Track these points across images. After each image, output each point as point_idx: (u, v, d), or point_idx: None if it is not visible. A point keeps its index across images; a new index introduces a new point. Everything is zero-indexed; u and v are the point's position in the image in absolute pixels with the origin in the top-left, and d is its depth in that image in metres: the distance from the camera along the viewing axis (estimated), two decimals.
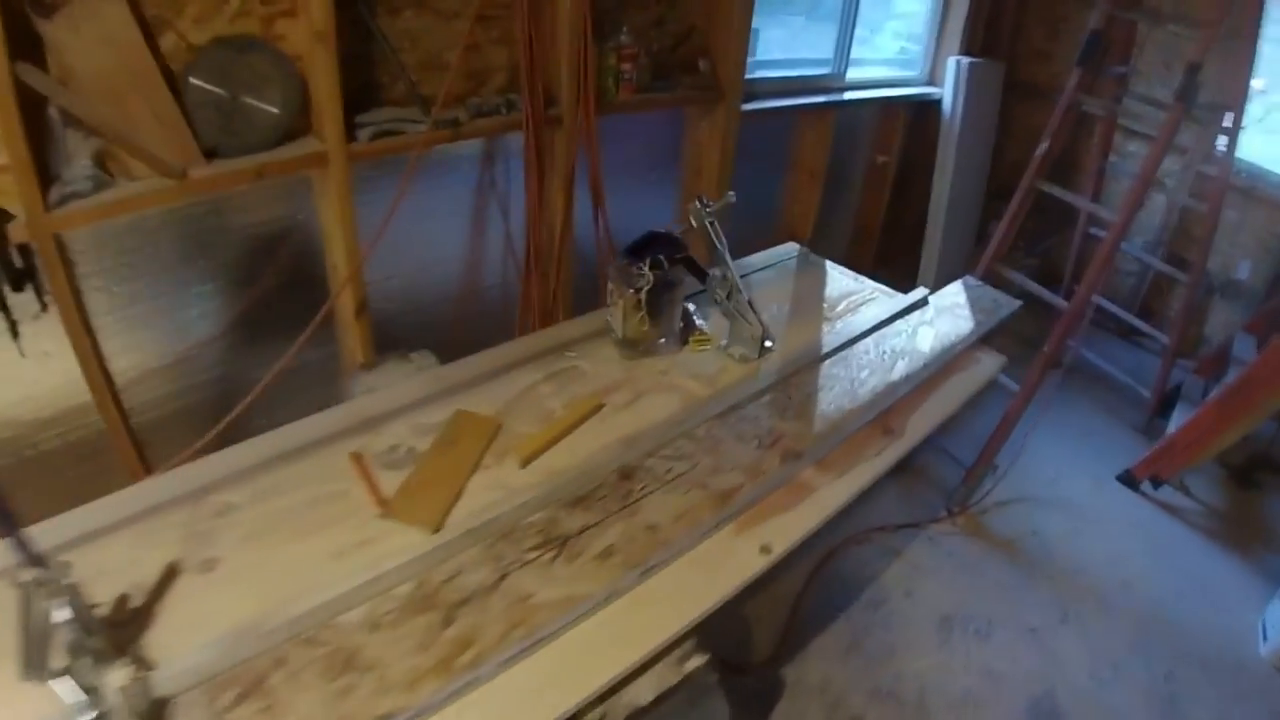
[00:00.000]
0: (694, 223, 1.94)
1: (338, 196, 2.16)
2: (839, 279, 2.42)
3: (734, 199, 1.94)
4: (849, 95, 3.59)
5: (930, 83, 4.01)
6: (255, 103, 1.94)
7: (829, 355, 2.02)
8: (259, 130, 1.98)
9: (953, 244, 4.12)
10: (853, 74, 3.71)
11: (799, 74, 3.54)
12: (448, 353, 2.02)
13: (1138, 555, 2.85)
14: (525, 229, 2.60)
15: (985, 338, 2.18)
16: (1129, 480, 3.14)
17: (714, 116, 2.97)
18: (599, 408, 1.79)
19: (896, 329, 2.16)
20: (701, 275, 1.99)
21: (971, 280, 2.40)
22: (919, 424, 1.83)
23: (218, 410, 2.13)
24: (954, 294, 2.37)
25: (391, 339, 2.45)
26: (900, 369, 1.98)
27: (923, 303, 2.25)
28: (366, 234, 2.24)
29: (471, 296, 2.82)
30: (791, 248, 2.54)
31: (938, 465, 3.08)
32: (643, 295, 1.86)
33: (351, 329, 2.39)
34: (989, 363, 2.08)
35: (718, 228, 1.93)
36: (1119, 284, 3.95)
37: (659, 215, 3.22)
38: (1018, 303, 2.33)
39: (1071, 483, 3.18)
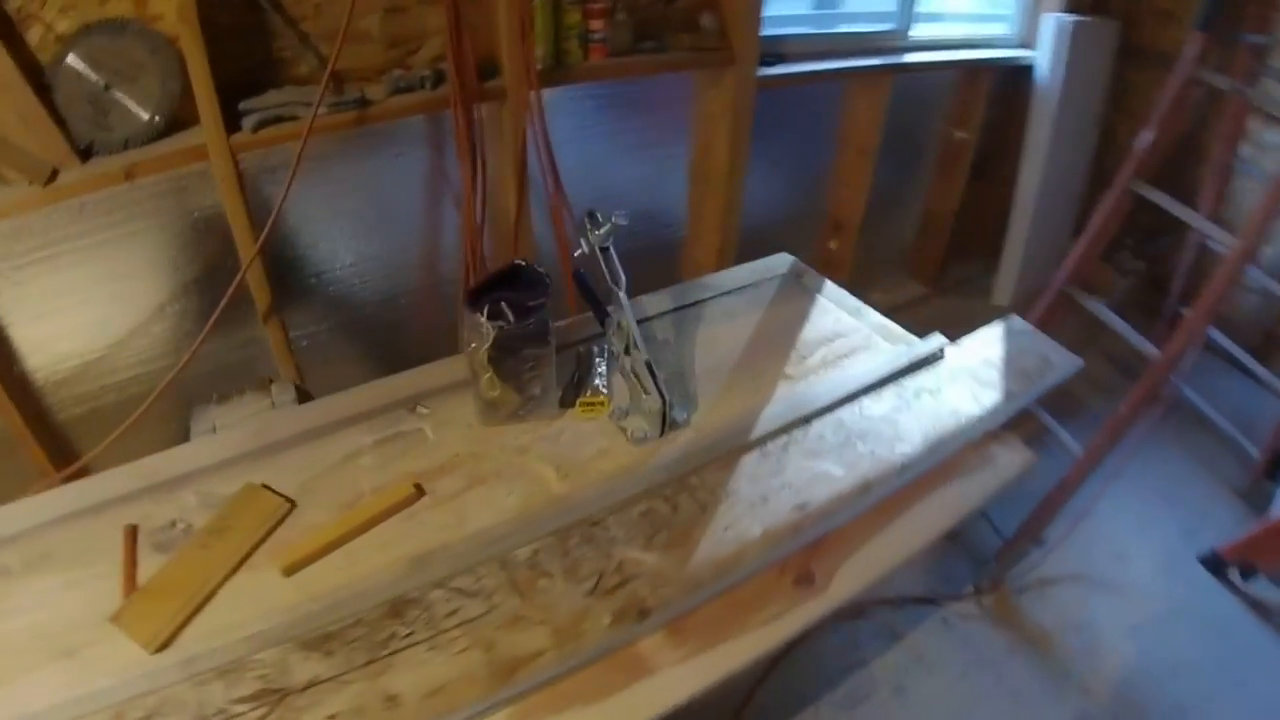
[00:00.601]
0: (584, 248, 1.29)
1: (227, 193, 1.74)
2: (829, 312, 1.72)
3: (624, 220, 1.25)
4: (914, 57, 2.69)
5: (1023, 44, 3.07)
6: (128, 93, 1.66)
7: (766, 439, 1.36)
8: (136, 123, 1.68)
9: (1044, 238, 3.20)
10: (922, 30, 2.86)
11: (847, 30, 2.72)
12: (392, 358, 1.84)
13: (1209, 669, 2.02)
14: (461, 227, 1.98)
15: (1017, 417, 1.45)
16: (1214, 564, 2.27)
17: (723, 84, 2.20)
18: (414, 498, 1.26)
19: (884, 397, 1.46)
20: (602, 314, 1.33)
21: (1019, 324, 1.61)
22: (858, 571, 1.18)
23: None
24: (987, 344, 1.62)
25: (325, 343, 2.10)
26: (863, 469, 1.30)
27: (937, 357, 1.51)
28: (308, 221, 1.93)
29: (428, 295, 2.28)
30: (781, 261, 1.85)
31: (976, 523, 2.25)
32: (482, 352, 1.22)
33: (268, 333, 1.95)
34: (1006, 461, 1.32)
35: (612, 256, 1.22)
36: (1239, 303, 2.91)
37: (672, 206, 2.46)
38: (1075, 363, 1.51)
39: (1140, 560, 2.35)
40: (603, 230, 1.25)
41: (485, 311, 1.23)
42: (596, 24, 1.98)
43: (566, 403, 1.39)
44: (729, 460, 1.29)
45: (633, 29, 2.06)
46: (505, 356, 1.26)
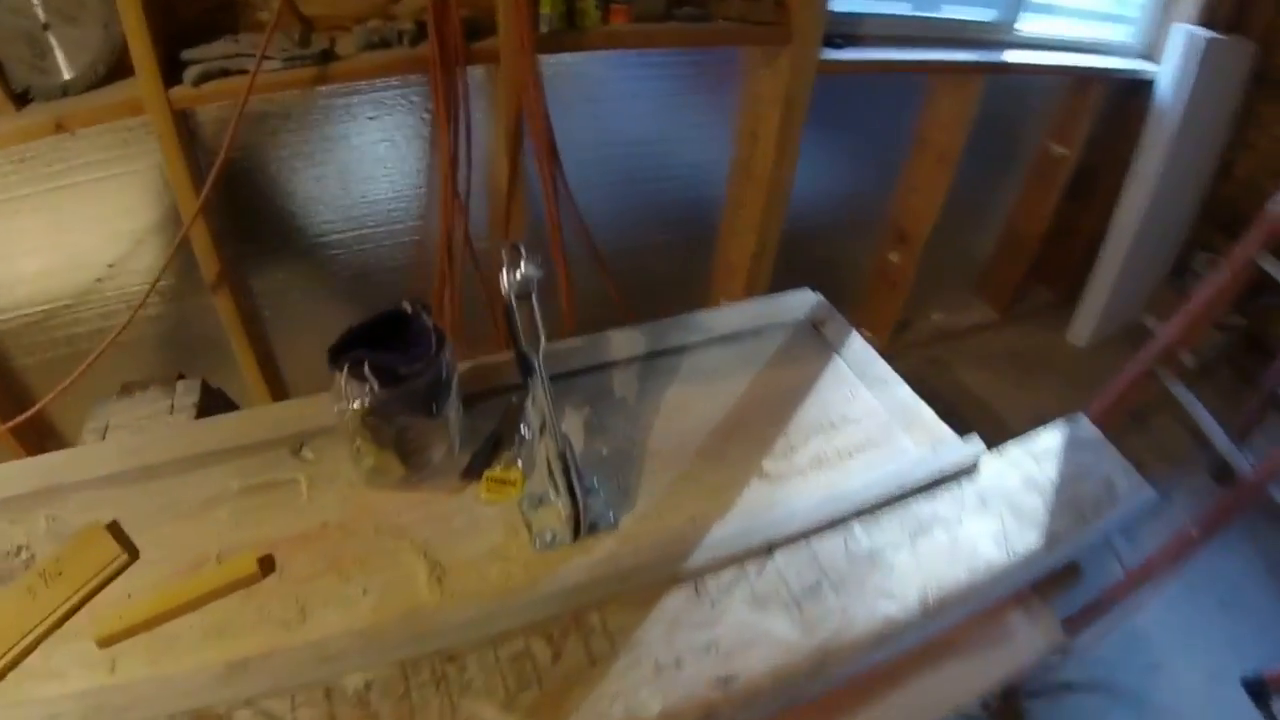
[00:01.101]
0: (504, 287, 0.87)
1: (167, 151, 1.44)
2: (845, 383, 1.29)
3: (538, 271, 0.85)
4: (1017, 55, 2.13)
5: (1145, 55, 2.47)
6: (67, 35, 1.38)
7: (707, 571, 0.98)
8: (75, 68, 1.41)
9: (1136, 275, 2.65)
10: (1031, 24, 2.30)
11: (942, 15, 2.19)
12: None
13: None
14: (439, 210, 1.66)
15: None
16: (1257, 690, 1.80)
17: (777, 64, 1.75)
18: (256, 577, 0.97)
19: (883, 524, 1.06)
20: (525, 369, 0.94)
21: (1085, 430, 1.20)
22: None
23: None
24: (1039, 456, 1.18)
25: (292, 315, 1.83)
26: (825, 634, 0.92)
27: (968, 469, 1.10)
28: (272, 184, 1.62)
29: (407, 272, 1.94)
30: (801, 301, 1.43)
31: None
32: (350, 417, 0.89)
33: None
34: (1028, 639, 0.90)
35: (533, 310, 0.83)
36: None
37: (707, 199, 2.11)
38: (1147, 494, 1.06)
39: (1177, 673, 1.89)
40: (519, 274, 0.84)
41: (355, 373, 0.84)
42: None
43: (473, 472, 1.04)
44: (650, 595, 0.93)
45: None
46: (382, 423, 0.88)
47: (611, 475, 1.07)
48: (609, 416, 1.16)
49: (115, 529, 1.03)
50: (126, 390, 1.41)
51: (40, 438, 1.76)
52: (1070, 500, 1.09)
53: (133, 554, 1.01)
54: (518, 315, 0.90)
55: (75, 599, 0.96)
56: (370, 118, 1.58)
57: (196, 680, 0.85)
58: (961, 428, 1.13)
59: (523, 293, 0.88)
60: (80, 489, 1.09)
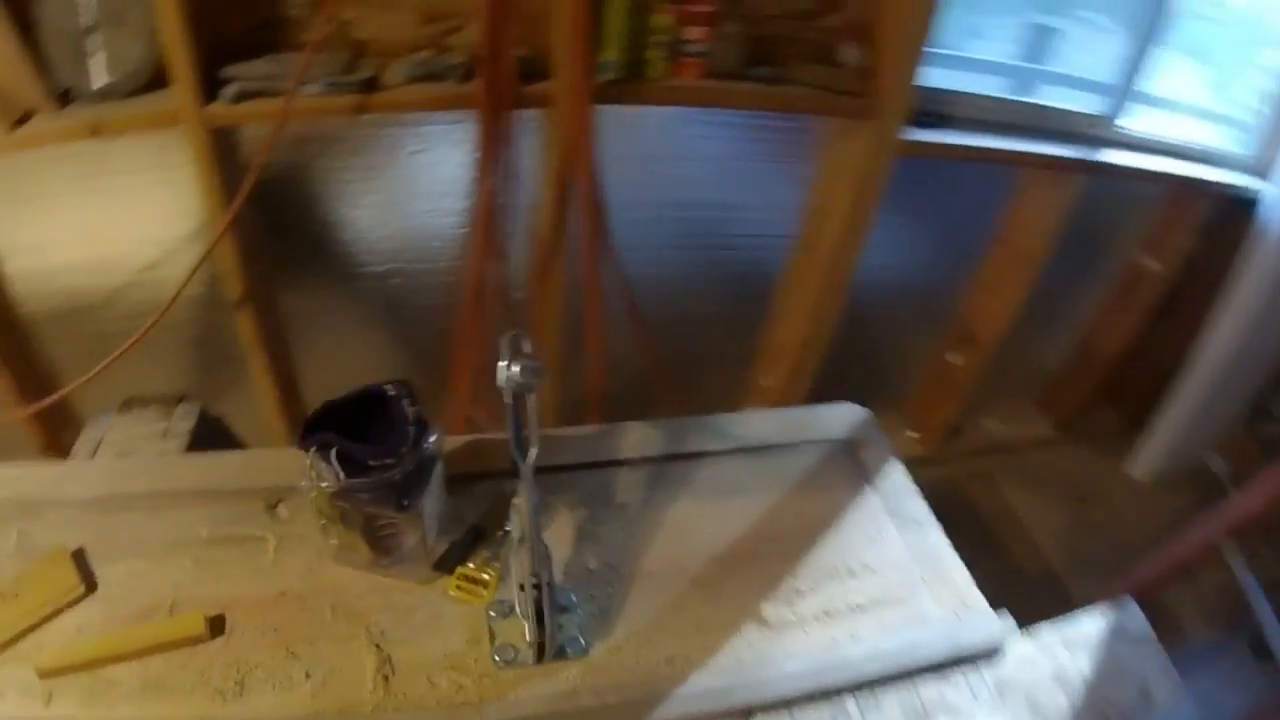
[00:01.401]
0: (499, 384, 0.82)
1: (199, 166, 1.46)
2: (873, 520, 1.20)
3: (536, 378, 0.76)
4: (1119, 156, 2.06)
5: (1255, 171, 2.28)
6: (113, 38, 1.40)
7: None
8: (117, 72, 1.43)
9: (1213, 407, 2.47)
10: (1135, 119, 2.19)
11: (1041, 102, 2.09)
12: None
13: None
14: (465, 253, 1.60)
15: None
16: None
17: (855, 138, 1.68)
18: (203, 637, 0.95)
19: (882, 705, 0.98)
20: (516, 472, 0.89)
21: (1135, 625, 1.10)
22: None
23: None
24: (1073, 647, 1.09)
25: (321, 337, 1.83)
26: None
27: (991, 651, 1.01)
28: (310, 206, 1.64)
29: (435, 310, 1.87)
30: (843, 417, 1.33)
31: None
32: (316, 496, 0.90)
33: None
34: None
35: (528, 410, 0.78)
36: None
37: (761, 271, 2.03)
38: (1187, 712, 0.95)
39: None
40: (516, 370, 0.79)
41: (320, 457, 0.81)
42: (695, 32, 1.51)
43: (446, 564, 0.99)
44: None
45: (745, 47, 1.55)
46: (349, 509, 0.84)
47: (593, 593, 1.00)
48: (605, 524, 1.10)
49: (79, 557, 1.04)
50: (128, 405, 1.42)
51: (60, 425, 1.80)
52: (1099, 705, 1.00)
53: (90, 587, 1.01)
54: (509, 415, 0.85)
55: (26, 623, 0.97)
56: (413, 152, 1.57)
57: None
58: (996, 552, 1.04)
59: (519, 390, 0.83)
60: (56, 508, 1.10)
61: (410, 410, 0.87)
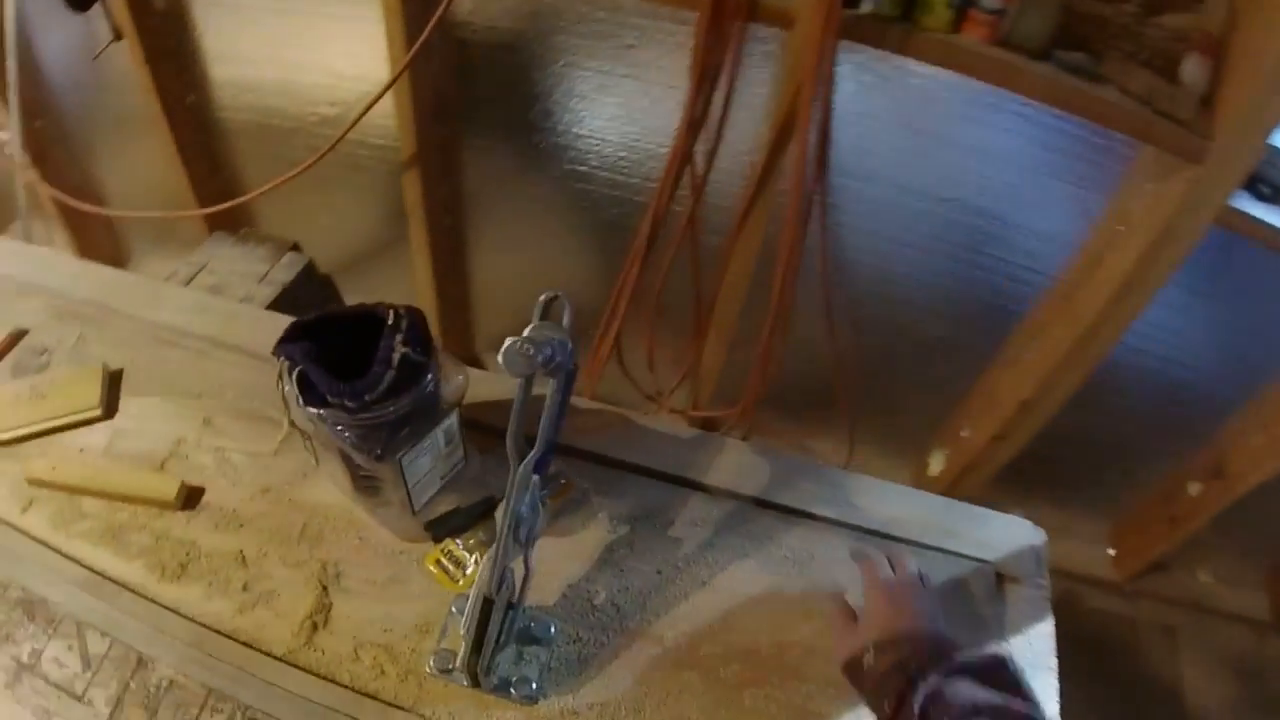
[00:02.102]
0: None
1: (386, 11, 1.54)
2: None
3: (567, 360, 0.71)
4: None
5: None
6: None
7: None
8: None
9: None
10: None
11: None
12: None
13: None
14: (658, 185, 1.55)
15: None
16: None
17: (1169, 183, 1.38)
18: (171, 506, 1.04)
19: None
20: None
21: None
22: None
23: None
24: None
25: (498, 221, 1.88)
26: None
27: None
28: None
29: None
30: (1012, 536, 1.12)
31: None
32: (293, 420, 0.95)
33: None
34: None
35: (554, 405, 0.82)
36: None
37: (989, 313, 1.81)
38: None
39: None
40: (521, 345, 0.71)
41: (288, 371, 0.80)
42: None
43: (439, 532, 0.96)
44: None
45: (1058, 20, 1.29)
46: (331, 439, 0.84)
47: (581, 634, 0.96)
48: (640, 555, 1.04)
49: (114, 380, 1.19)
50: (244, 239, 1.53)
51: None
52: None
53: (109, 412, 1.15)
54: (516, 398, 0.77)
55: (39, 426, 1.12)
56: (630, 45, 1.50)
57: (62, 571, 0.97)
58: None
59: (518, 371, 0.74)
60: (125, 321, 1.27)
61: (399, 350, 0.82)
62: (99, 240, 2.33)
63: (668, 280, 1.65)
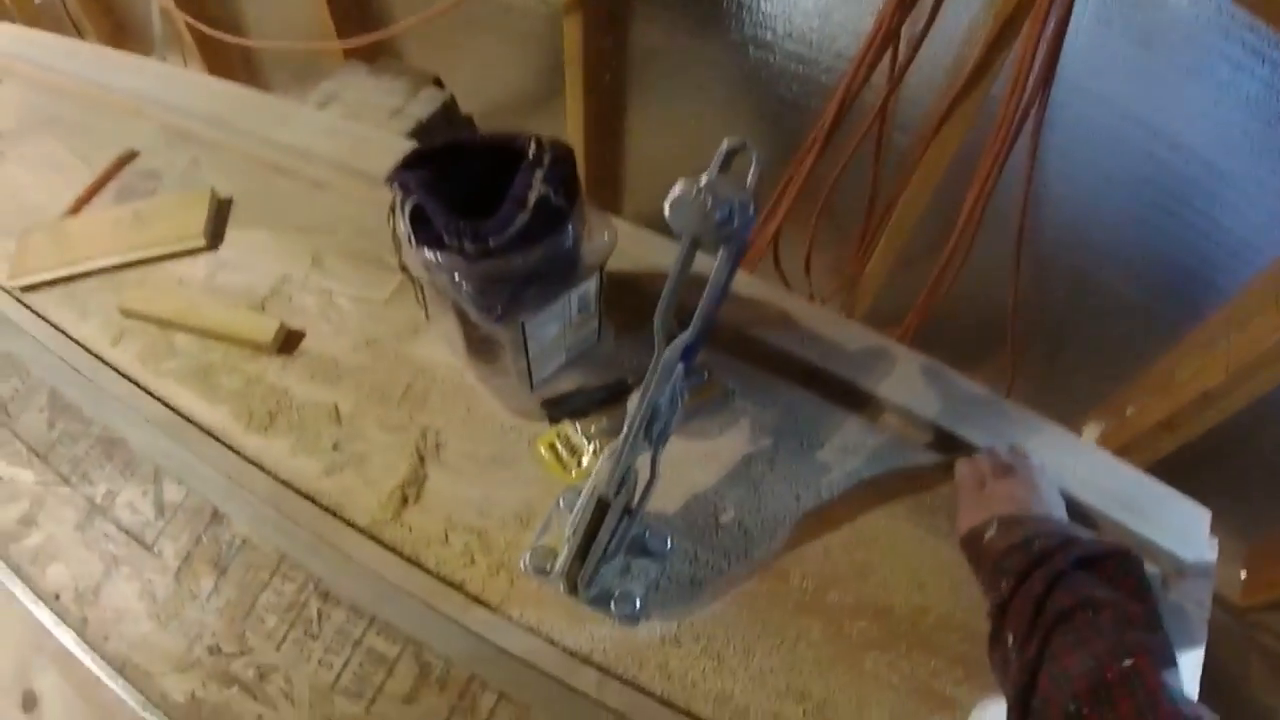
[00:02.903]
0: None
1: None
2: None
3: (746, 208, 0.57)
4: None
5: None
6: None
7: None
8: None
9: None
10: None
11: None
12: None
13: None
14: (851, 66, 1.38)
15: None
16: None
17: None
18: (268, 349, 0.97)
19: None
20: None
21: None
22: None
23: None
24: None
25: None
26: None
27: None
28: None
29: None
30: (1182, 526, 0.93)
31: None
32: (401, 261, 0.85)
33: None
34: None
35: (720, 279, 0.67)
36: None
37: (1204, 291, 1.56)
38: None
39: None
40: (696, 194, 0.58)
41: (401, 203, 0.69)
42: None
43: (556, 412, 0.85)
44: None
45: None
46: (445, 289, 0.74)
47: (698, 554, 0.84)
48: (776, 476, 0.90)
49: (222, 209, 1.12)
50: (379, 70, 1.44)
51: None
52: None
53: (213, 243, 1.09)
54: (677, 265, 0.63)
55: (140, 254, 1.08)
56: None
57: (146, 410, 0.92)
58: None
59: (690, 230, 0.61)
60: (242, 143, 1.19)
61: (537, 189, 0.68)
62: (234, 73, 2.28)
63: (842, 176, 1.48)
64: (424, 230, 0.75)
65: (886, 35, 1.32)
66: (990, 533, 0.78)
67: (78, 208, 1.17)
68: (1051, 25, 1.21)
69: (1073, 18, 1.21)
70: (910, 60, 1.38)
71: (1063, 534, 0.74)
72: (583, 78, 1.69)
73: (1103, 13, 1.25)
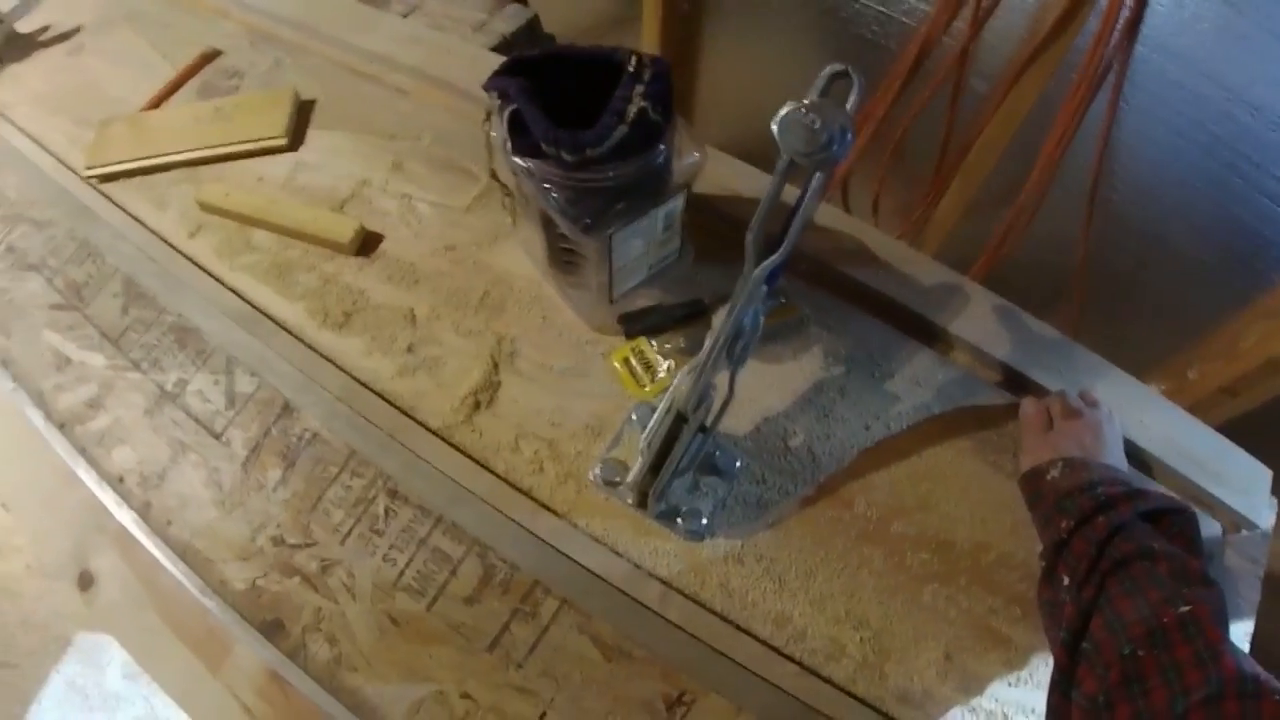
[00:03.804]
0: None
1: None
2: None
3: (830, 148, 0.56)
4: None
5: None
6: None
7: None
8: None
9: None
10: None
11: None
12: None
13: None
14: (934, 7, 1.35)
15: None
16: None
17: None
18: (343, 249, 0.98)
19: None
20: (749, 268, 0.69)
21: None
22: None
23: None
24: None
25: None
26: None
27: None
28: None
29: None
30: (1246, 483, 0.91)
31: None
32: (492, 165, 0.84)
33: None
34: None
35: (806, 203, 0.66)
36: None
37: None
38: None
39: None
40: (822, 125, 0.57)
41: (499, 110, 0.68)
42: None
43: (632, 327, 0.85)
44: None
45: None
46: (532, 196, 0.73)
47: (765, 476, 0.84)
48: (846, 404, 0.89)
49: (304, 110, 1.12)
50: None
51: None
52: None
53: (294, 143, 1.09)
54: (772, 184, 0.62)
55: (220, 150, 1.07)
56: None
57: (220, 302, 0.94)
58: None
59: (794, 154, 0.60)
60: (325, 47, 1.19)
61: (637, 102, 0.67)
62: None
63: (917, 119, 1.44)
64: (520, 137, 0.74)
65: None
66: (1054, 473, 0.76)
67: (158, 102, 1.17)
68: None
69: None
70: (994, 6, 1.33)
71: (1128, 484, 0.72)
72: (661, 5, 1.65)
73: None
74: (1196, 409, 1.65)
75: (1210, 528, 0.88)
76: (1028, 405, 0.88)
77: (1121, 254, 1.59)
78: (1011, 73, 1.37)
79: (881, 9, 1.49)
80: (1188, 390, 1.73)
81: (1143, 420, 0.91)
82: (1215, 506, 0.89)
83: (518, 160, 0.75)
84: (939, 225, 1.68)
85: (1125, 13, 1.21)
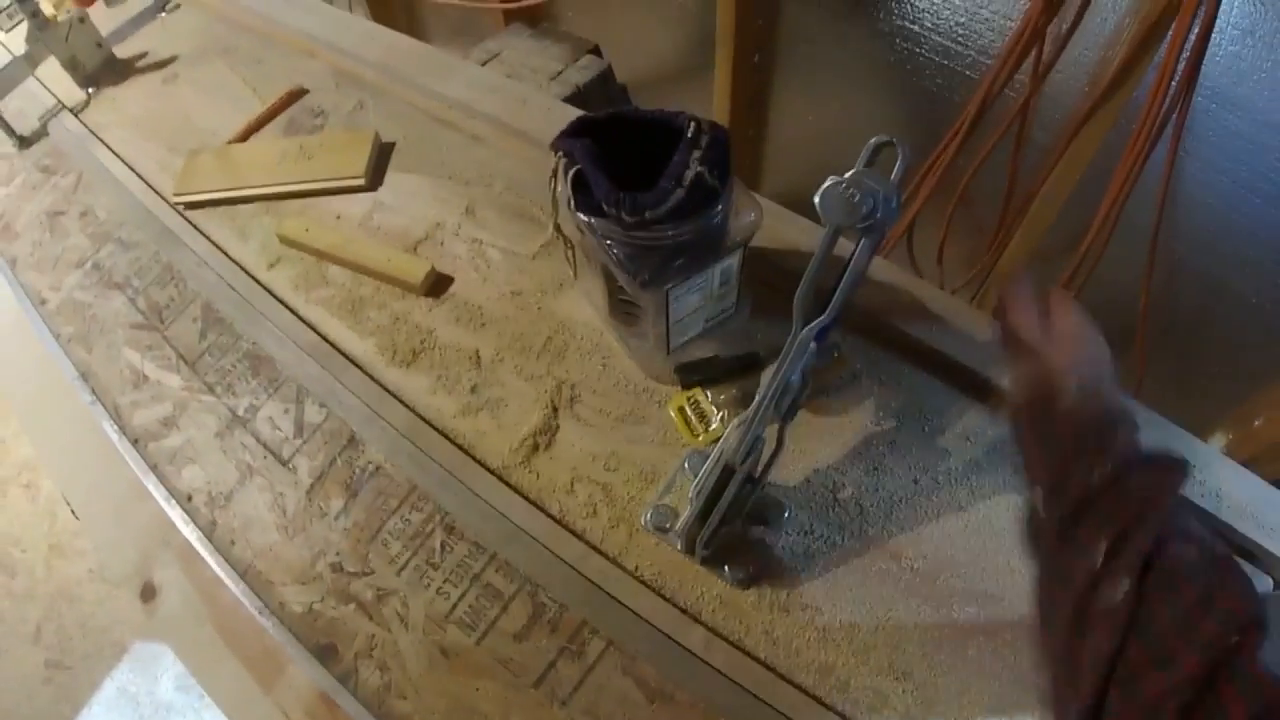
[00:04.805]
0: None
1: None
2: None
3: (890, 202, 0.58)
4: None
5: None
6: None
7: None
8: None
9: None
10: None
11: None
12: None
13: None
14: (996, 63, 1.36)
15: None
16: None
17: None
18: (417, 290, 1.02)
19: None
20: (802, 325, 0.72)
21: None
22: None
23: None
24: None
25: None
26: None
27: None
28: None
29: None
30: None
31: None
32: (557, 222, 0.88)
33: None
34: None
35: (859, 266, 0.68)
36: None
37: None
38: None
39: None
40: (862, 198, 0.60)
41: (564, 169, 0.71)
42: None
43: (689, 377, 0.87)
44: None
45: None
46: (593, 250, 0.77)
47: (813, 526, 0.85)
48: (896, 457, 0.90)
49: (383, 151, 1.16)
50: (541, 34, 1.46)
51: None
52: None
53: (373, 184, 1.13)
54: (820, 247, 0.64)
55: (303, 187, 1.13)
56: None
57: (295, 333, 0.98)
58: None
59: (835, 220, 0.62)
60: (406, 92, 1.23)
61: (694, 167, 0.70)
62: (396, 21, 2.34)
63: (980, 169, 1.45)
64: (583, 196, 0.77)
65: (1033, 34, 1.29)
66: (1065, 400, 0.58)
67: (246, 135, 1.23)
68: (1196, 30, 1.16)
69: (1216, 25, 1.16)
70: (1055, 60, 1.34)
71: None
72: (733, 55, 1.69)
73: (1246, 21, 1.20)
74: (1263, 457, 1.62)
75: (1263, 583, 0.86)
76: (1010, 307, 0.69)
77: (1185, 303, 1.57)
78: (1073, 124, 1.37)
79: (945, 62, 1.50)
80: (1254, 439, 1.70)
81: (1197, 474, 0.90)
82: (1271, 564, 0.87)
83: (581, 216, 0.78)
84: (1003, 273, 1.67)
85: (1182, 65, 1.20)
